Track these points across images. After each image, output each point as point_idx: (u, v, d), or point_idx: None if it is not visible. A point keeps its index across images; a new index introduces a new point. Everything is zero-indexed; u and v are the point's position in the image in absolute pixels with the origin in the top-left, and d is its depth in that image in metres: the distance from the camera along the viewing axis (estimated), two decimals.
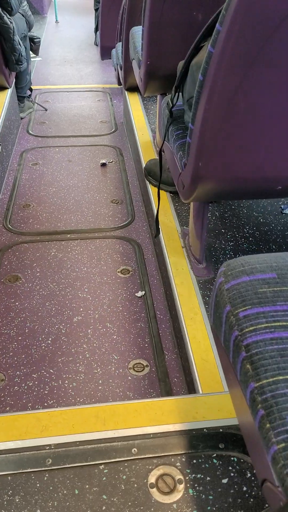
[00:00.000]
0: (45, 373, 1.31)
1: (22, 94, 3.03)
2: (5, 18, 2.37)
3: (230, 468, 0.87)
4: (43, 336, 1.43)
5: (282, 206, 1.74)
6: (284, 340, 0.62)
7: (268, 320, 0.64)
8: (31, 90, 3.21)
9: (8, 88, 2.68)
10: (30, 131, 2.87)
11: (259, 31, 0.84)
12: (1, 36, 2.41)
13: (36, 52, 3.29)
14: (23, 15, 2.81)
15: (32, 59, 3.56)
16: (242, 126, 0.99)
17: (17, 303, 1.55)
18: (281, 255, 0.73)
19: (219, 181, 1.11)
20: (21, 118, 3.02)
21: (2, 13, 2.34)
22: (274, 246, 1.54)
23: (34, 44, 3.17)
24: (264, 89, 0.92)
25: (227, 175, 1.08)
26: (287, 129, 0.98)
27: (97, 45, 4.73)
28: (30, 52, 3.10)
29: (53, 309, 1.53)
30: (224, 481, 0.85)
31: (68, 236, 1.90)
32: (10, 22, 2.40)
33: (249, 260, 0.72)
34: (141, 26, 1.73)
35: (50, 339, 1.42)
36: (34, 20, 3.12)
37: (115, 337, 1.43)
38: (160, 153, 1.43)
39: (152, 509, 0.82)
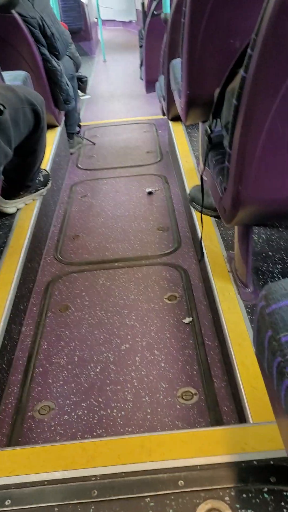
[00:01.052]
0: (94, 401, 1.32)
1: (72, 131, 3.16)
2: (53, 61, 2.51)
3: (283, 503, 0.82)
4: (92, 365, 1.44)
5: None
6: None
7: None
8: (79, 126, 3.34)
9: (58, 126, 2.81)
10: (79, 165, 2.98)
11: None
12: (50, 78, 2.55)
13: (84, 90, 3.44)
14: (70, 57, 2.97)
15: (81, 97, 3.73)
16: (280, 148, 0.97)
17: (67, 332, 1.58)
18: None
19: (260, 204, 1.10)
20: (71, 154, 3.15)
21: (50, 57, 2.49)
22: None
23: (82, 83, 3.33)
24: None
25: (268, 198, 1.07)
26: None
27: (142, 79, 4.88)
28: (79, 91, 3.26)
29: (102, 337, 1.55)
30: None
31: (116, 264, 1.93)
32: (58, 65, 2.55)
33: None
34: (180, 59, 1.77)
35: (99, 367, 1.43)
36: (83, 61, 3.28)
37: (163, 364, 1.42)
38: (201, 179, 1.44)
39: None
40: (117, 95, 4.72)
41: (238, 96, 0.97)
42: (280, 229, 1.70)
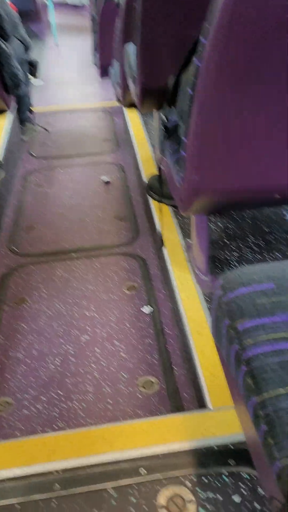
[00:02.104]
0: (54, 395, 1.30)
1: (23, 117, 3.07)
2: (1, 43, 2.42)
3: (242, 485, 0.85)
4: (51, 357, 1.42)
5: (284, 213, 1.73)
6: (285, 352, 0.61)
7: (267, 332, 0.63)
8: (31, 112, 3.25)
9: (7, 111, 2.72)
10: (33, 154, 2.90)
11: (243, 44, 0.84)
12: None
13: (35, 75, 3.34)
14: (20, 40, 2.87)
15: (32, 82, 3.62)
16: (234, 138, 0.98)
17: (24, 325, 1.55)
18: (278, 264, 0.72)
19: (216, 193, 1.11)
20: (24, 141, 3.06)
21: None
22: (279, 255, 1.52)
23: (33, 67, 3.22)
24: (253, 100, 0.92)
25: (224, 187, 1.08)
26: (279, 138, 0.98)
27: (96, 65, 4.80)
28: (30, 76, 3.16)
29: (61, 329, 1.53)
30: (236, 499, 0.83)
31: (74, 255, 1.90)
32: (6, 47, 2.45)
33: (246, 271, 0.70)
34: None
35: (58, 360, 1.41)
36: (34, 45, 3.18)
37: (123, 354, 1.42)
38: (159, 168, 1.44)
39: None
40: (71, 80, 4.62)
41: (192, 85, 0.97)
42: (235, 216, 1.73)
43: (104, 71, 3.96)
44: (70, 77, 4.74)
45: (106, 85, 4.27)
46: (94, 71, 4.81)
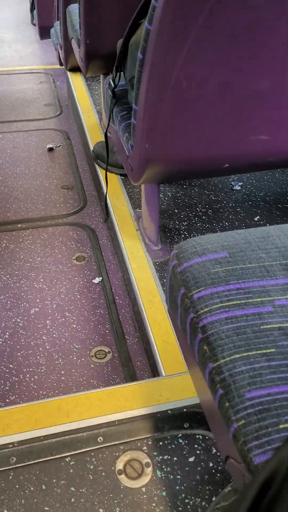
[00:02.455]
0: (4, 368, 1.28)
1: None
2: None
3: (196, 446, 0.88)
4: None
5: (232, 183, 1.76)
6: (239, 318, 0.63)
7: (222, 300, 0.64)
8: None
9: None
10: None
11: (195, 6, 0.82)
12: None
13: None
14: None
15: None
16: (186, 105, 0.97)
17: None
18: (231, 233, 0.73)
19: (167, 162, 1.10)
20: None
21: None
22: (227, 223, 1.55)
23: None
24: (206, 65, 0.91)
25: (175, 156, 1.07)
26: (230, 107, 0.98)
27: (34, 25, 4.55)
28: None
29: (8, 302, 1.49)
30: (191, 459, 0.87)
31: (19, 226, 1.84)
32: None
33: (200, 241, 0.71)
34: (77, 4, 1.67)
35: (7, 333, 1.38)
36: None
37: (74, 326, 1.41)
38: (106, 136, 1.40)
39: (122, 495, 0.82)
40: (7, 40, 4.36)
41: (142, 49, 0.94)
42: (184, 186, 1.74)
43: (44, 32, 3.77)
44: (6, 37, 4.47)
45: (46, 46, 4.07)
46: (34, 31, 4.56)
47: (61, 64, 3.03)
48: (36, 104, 2.95)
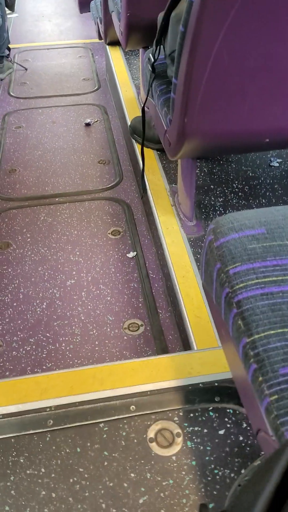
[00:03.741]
0: (42, 337, 1.33)
1: (1, 53, 2.90)
2: None
3: (226, 419, 0.90)
4: (37, 301, 1.44)
5: (271, 159, 1.72)
6: (275, 295, 0.63)
7: (258, 276, 0.64)
8: (9, 49, 3.07)
9: None
10: (11, 93, 2.77)
11: None
12: None
13: (11, 8, 3.12)
14: None
15: (8, 16, 3.39)
16: (227, 78, 0.96)
17: (10, 270, 1.55)
18: (269, 210, 0.73)
19: (206, 137, 1.09)
20: (1, 80, 2.91)
21: None
22: (263, 200, 1.53)
23: (8, 0, 3.01)
24: (249, 39, 0.89)
25: (214, 131, 1.06)
26: (272, 80, 0.95)
27: None
28: (6, 9, 2.95)
29: (46, 274, 1.53)
30: (221, 432, 0.89)
31: (57, 199, 1.87)
32: None
33: (237, 217, 0.71)
34: None
35: (45, 303, 1.43)
36: None
37: (109, 298, 1.44)
38: (143, 110, 1.39)
39: (152, 462, 0.85)
40: (48, 14, 4.34)
41: (184, 22, 0.92)
42: (221, 161, 1.72)
43: (84, 5, 3.72)
44: (47, 11, 4.45)
45: (86, 20, 4.03)
46: (73, 5, 4.52)
47: (100, 38, 3.00)
48: (74, 79, 2.94)
